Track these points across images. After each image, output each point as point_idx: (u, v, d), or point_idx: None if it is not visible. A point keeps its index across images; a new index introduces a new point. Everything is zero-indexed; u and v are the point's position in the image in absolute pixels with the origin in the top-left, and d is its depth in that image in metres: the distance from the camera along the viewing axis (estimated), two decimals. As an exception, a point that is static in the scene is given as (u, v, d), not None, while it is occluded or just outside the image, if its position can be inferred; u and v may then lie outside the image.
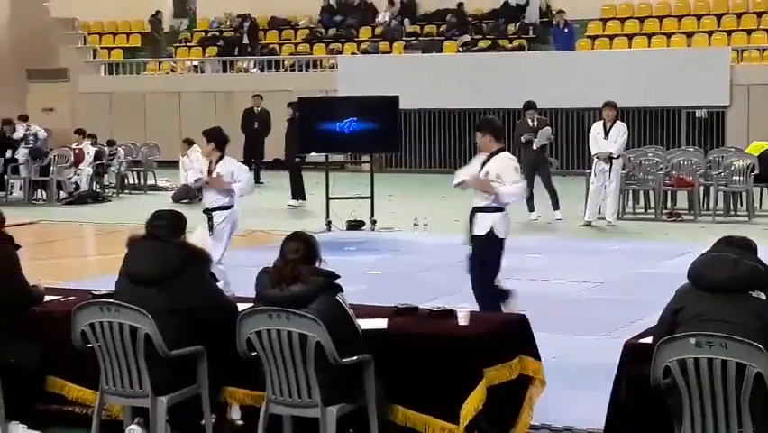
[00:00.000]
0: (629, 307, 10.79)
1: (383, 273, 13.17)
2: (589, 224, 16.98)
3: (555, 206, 17.61)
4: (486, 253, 9.03)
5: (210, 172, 10.65)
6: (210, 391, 6.37)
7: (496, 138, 9.18)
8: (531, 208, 17.62)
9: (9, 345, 6.66)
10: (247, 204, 19.88)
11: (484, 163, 9.13)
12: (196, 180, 10.88)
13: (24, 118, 24.09)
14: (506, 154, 9.19)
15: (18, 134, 22.73)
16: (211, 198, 10.65)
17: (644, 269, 13.30)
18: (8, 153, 22.21)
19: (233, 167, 10.76)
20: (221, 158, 10.72)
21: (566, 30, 27.83)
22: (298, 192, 20.42)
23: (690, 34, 27.87)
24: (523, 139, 17.60)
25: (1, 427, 6.66)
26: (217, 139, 10.74)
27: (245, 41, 32.10)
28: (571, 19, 28.10)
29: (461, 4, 30.00)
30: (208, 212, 10.62)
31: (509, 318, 6.79)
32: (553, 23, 28.68)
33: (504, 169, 9.02)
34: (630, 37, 28.35)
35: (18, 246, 7.02)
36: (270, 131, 24.96)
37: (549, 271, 13.16)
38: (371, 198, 16.89)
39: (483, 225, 9.00)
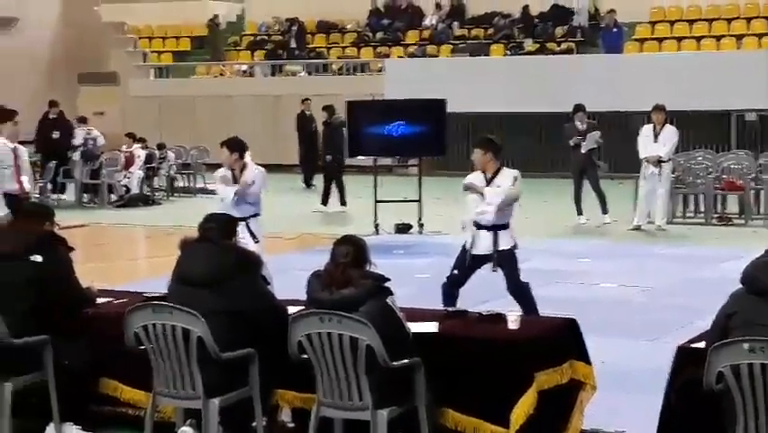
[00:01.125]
0: (680, 311, 10.73)
1: (431, 276, 13.10)
2: (638, 228, 16.89)
3: (604, 209, 17.52)
4: (513, 262, 9.29)
5: (236, 181, 10.51)
6: (261, 394, 6.40)
7: (496, 156, 9.34)
8: (579, 212, 17.56)
9: (63, 347, 6.73)
10: (296, 207, 20.07)
11: (490, 181, 9.27)
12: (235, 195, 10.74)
13: (83, 120, 24.30)
14: (508, 169, 9.39)
15: (78, 140, 22.99)
16: (245, 209, 10.36)
17: (695, 273, 13.21)
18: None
19: (257, 172, 10.58)
20: (244, 166, 10.60)
21: (615, 29, 27.69)
22: (327, 196, 20.32)
23: (739, 37, 27.65)
24: (571, 143, 17.53)
25: (56, 428, 6.74)
26: (241, 148, 10.60)
27: (293, 44, 32.23)
28: (620, 22, 27.97)
29: (526, 7, 29.93)
30: (243, 220, 10.44)
31: (560, 323, 6.76)
32: (602, 24, 28.56)
33: (506, 180, 9.24)
34: (679, 40, 28.16)
35: (71, 248, 7.09)
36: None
37: (599, 275, 13.11)
38: (419, 201, 16.90)
39: (506, 240, 9.24)
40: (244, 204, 10.37)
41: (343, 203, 20.29)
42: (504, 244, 9.21)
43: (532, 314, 8.57)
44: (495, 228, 9.19)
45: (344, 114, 17.80)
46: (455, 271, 9.43)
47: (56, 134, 22.54)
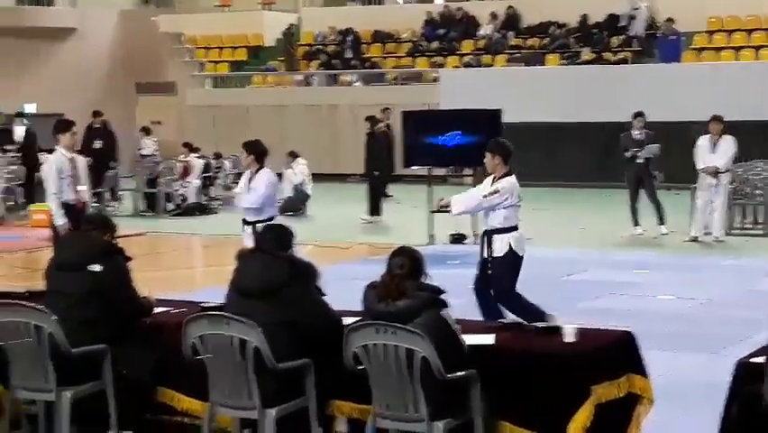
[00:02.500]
0: (738, 324, 10.63)
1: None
2: (695, 239, 16.74)
3: (660, 220, 17.39)
4: (504, 267, 9.33)
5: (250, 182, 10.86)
6: (317, 404, 6.43)
7: (504, 161, 9.39)
8: (636, 223, 17.44)
9: (121, 356, 6.79)
10: (351, 217, 20.12)
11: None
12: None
13: (147, 131, 24.52)
14: (509, 177, 9.36)
15: (148, 150, 23.24)
16: (251, 213, 10.73)
17: (753, 285, 13.09)
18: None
19: (263, 179, 10.80)
20: (259, 169, 10.88)
21: (672, 37, 27.50)
22: (375, 208, 20.34)
23: (799, 46, 27.35)
24: (627, 155, 17.37)
25: (113, 436, 6.81)
26: (257, 151, 10.93)
27: (349, 54, 32.34)
28: (677, 31, 27.79)
29: (585, 16, 29.84)
30: (252, 224, 10.64)
31: (617, 336, 6.71)
32: (658, 34, 28.38)
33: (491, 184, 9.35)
34: (737, 49, 27.89)
35: (129, 258, 7.14)
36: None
37: (656, 286, 13.01)
38: (474, 211, 16.84)
39: (500, 245, 9.28)
40: (251, 209, 10.68)
41: (373, 212, 20.21)
42: (498, 251, 9.26)
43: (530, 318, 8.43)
44: (490, 233, 9.29)
45: (399, 123, 17.83)
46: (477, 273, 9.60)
47: (98, 144, 22.61)
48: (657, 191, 17.64)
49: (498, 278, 9.28)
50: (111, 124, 23.72)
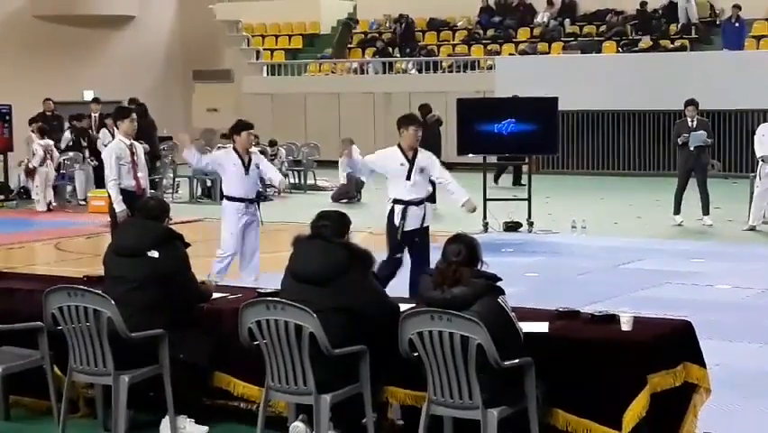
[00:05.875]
0: (796, 314, 10.51)
1: (541, 276, 13.11)
2: (753, 228, 16.58)
3: (705, 210, 17.14)
4: (427, 243, 10.32)
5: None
6: (372, 390, 6.45)
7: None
8: (677, 211, 17.11)
9: (179, 341, 6.84)
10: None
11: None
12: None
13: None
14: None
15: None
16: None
17: (812, 275, 12.93)
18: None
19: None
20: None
21: (737, 24, 27.22)
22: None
23: None
24: (679, 141, 17.11)
25: (170, 420, 6.86)
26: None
27: (404, 42, 32.31)
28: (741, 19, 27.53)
29: (644, 3, 29.61)
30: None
31: (674, 324, 6.67)
32: (721, 19, 28.11)
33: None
34: (799, 37, 27.56)
35: (188, 244, 7.20)
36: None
37: (712, 276, 12.90)
38: (529, 199, 16.82)
39: (427, 217, 10.56)
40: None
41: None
42: (428, 221, 10.47)
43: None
44: (415, 204, 10.52)
45: (454, 111, 17.77)
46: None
47: None
48: (715, 180, 17.41)
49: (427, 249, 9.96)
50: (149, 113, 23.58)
